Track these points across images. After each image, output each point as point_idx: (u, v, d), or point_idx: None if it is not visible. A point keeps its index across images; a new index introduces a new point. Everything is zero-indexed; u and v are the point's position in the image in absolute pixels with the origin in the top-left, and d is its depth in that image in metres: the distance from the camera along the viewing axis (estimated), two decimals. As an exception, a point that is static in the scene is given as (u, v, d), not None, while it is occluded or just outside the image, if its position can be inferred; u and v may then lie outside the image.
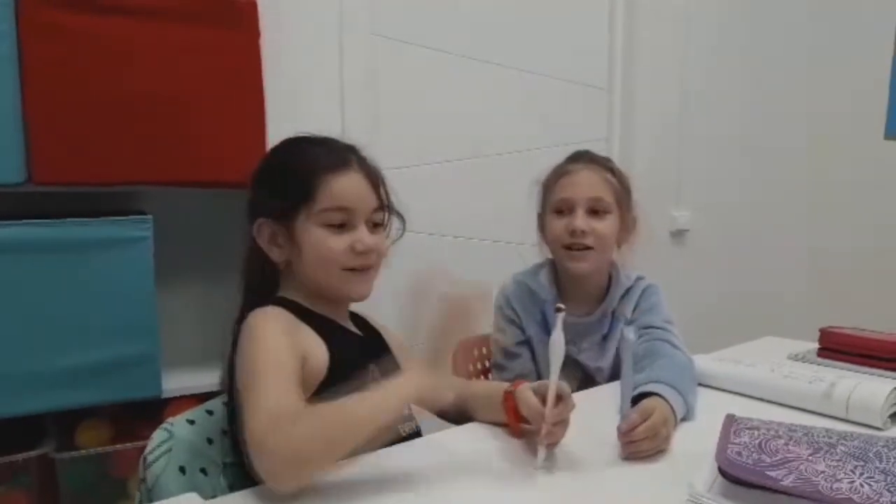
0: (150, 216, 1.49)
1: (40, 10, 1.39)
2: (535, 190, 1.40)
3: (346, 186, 0.99)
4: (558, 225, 1.32)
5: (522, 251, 1.44)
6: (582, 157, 1.36)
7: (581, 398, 1.17)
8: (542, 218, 1.40)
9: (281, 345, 0.91)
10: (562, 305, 0.94)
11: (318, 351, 0.96)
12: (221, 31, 1.55)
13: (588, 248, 1.30)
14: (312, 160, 1.01)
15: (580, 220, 1.29)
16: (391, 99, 2.10)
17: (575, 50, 2.46)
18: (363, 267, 1.01)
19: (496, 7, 2.28)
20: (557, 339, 0.95)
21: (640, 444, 0.93)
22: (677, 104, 2.68)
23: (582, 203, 1.30)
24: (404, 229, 1.10)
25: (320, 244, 0.98)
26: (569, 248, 1.31)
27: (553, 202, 1.34)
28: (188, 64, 1.52)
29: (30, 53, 1.38)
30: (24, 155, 1.40)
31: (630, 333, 0.95)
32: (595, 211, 1.31)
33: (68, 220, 1.42)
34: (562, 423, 0.93)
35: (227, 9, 1.56)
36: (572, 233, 1.29)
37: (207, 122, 1.54)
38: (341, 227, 0.99)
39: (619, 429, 0.94)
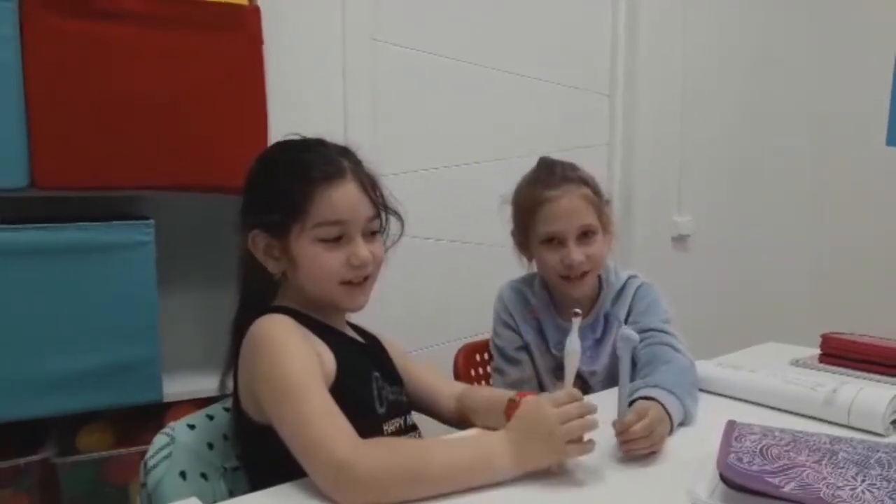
0: (152, 220, 1.50)
1: (44, 15, 1.39)
2: (506, 209, 1.37)
3: (341, 199, 0.96)
4: (552, 258, 1.29)
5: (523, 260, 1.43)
6: (553, 177, 1.30)
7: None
8: (520, 237, 1.37)
9: (305, 352, 0.91)
10: (578, 311, 0.92)
11: (327, 358, 0.95)
12: (224, 37, 1.55)
13: (585, 272, 1.29)
14: (304, 171, 0.97)
15: (575, 254, 1.27)
16: (394, 104, 2.10)
17: (577, 55, 2.47)
18: (360, 279, 0.99)
19: (498, 12, 2.28)
20: (573, 345, 0.93)
21: (636, 442, 0.93)
22: (679, 109, 2.68)
23: (572, 234, 1.28)
24: (402, 230, 1.07)
25: (316, 260, 0.96)
26: (566, 277, 1.30)
27: (540, 234, 1.30)
28: (191, 69, 1.52)
29: (33, 59, 1.39)
30: (27, 159, 1.40)
31: (631, 336, 0.94)
32: (584, 234, 1.29)
33: (71, 224, 1.42)
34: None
35: (230, 14, 1.56)
36: (569, 266, 1.28)
37: (210, 127, 1.54)
38: (337, 240, 0.97)
39: (614, 426, 0.94)
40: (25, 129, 1.39)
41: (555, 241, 1.29)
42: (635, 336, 0.93)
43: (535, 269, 1.39)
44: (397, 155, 2.09)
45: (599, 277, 1.37)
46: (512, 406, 1.01)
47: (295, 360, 0.88)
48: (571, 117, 2.47)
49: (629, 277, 1.37)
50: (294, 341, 0.91)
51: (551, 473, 0.89)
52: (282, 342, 0.90)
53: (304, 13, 1.90)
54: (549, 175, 1.32)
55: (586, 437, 0.88)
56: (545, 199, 1.29)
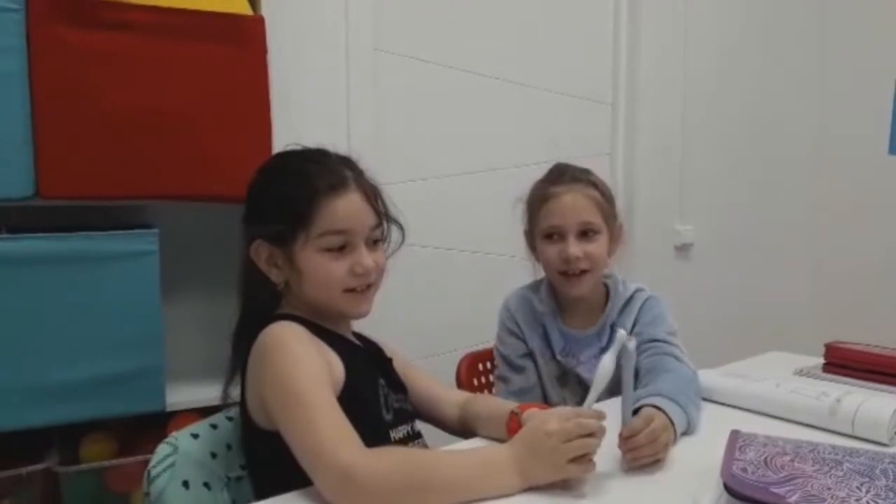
0: (156, 230, 1.50)
1: (51, 26, 1.40)
2: (519, 207, 1.39)
3: (345, 208, 0.97)
4: (551, 252, 1.31)
5: (530, 265, 1.44)
6: (563, 177, 1.34)
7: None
8: (529, 236, 1.39)
9: (314, 359, 0.91)
10: (623, 330, 0.92)
11: (336, 366, 0.96)
12: (229, 48, 1.56)
13: (584, 271, 1.30)
14: (308, 181, 0.98)
15: (573, 248, 1.28)
16: (397, 114, 2.11)
17: (579, 65, 2.48)
18: (363, 287, 1.00)
19: (500, 23, 2.29)
20: (607, 364, 0.92)
21: (640, 450, 0.93)
22: (680, 119, 2.69)
23: (572, 229, 1.29)
24: (403, 239, 1.09)
25: (320, 269, 0.97)
26: (564, 273, 1.31)
27: (542, 228, 1.33)
28: (196, 80, 1.53)
29: (39, 69, 1.40)
30: (32, 169, 1.40)
31: (630, 344, 0.94)
32: (585, 232, 1.30)
33: (75, 233, 1.43)
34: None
35: (235, 25, 1.57)
36: (566, 260, 1.29)
37: (214, 137, 1.55)
38: (340, 249, 0.98)
39: (620, 434, 0.94)
40: (31, 138, 1.40)
41: (555, 235, 1.31)
42: (632, 346, 0.93)
43: (542, 273, 1.40)
44: (400, 164, 2.10)
45: (608, 287, 1.38)
46: (513, 419, 1.01)
47: (304, 366, 0.89)
48: (573, 127, 2.47)
49: (637, 290, 1.38)
50: (304, 348, 0.92)
51: (558, 486, 0.88)
52: (292, 348, 0.91)
53: (307, 23, 1.91)
54: (559, 176, 1.35)
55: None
56: (550, 195, 1.32)
